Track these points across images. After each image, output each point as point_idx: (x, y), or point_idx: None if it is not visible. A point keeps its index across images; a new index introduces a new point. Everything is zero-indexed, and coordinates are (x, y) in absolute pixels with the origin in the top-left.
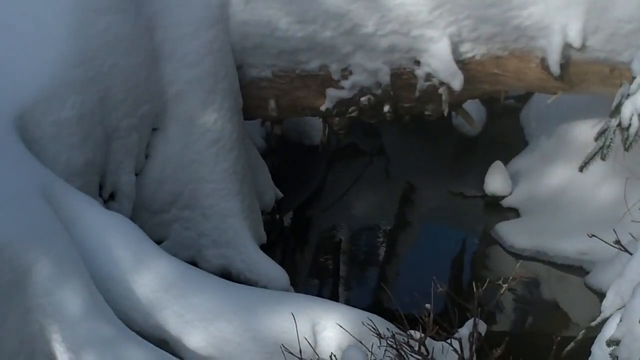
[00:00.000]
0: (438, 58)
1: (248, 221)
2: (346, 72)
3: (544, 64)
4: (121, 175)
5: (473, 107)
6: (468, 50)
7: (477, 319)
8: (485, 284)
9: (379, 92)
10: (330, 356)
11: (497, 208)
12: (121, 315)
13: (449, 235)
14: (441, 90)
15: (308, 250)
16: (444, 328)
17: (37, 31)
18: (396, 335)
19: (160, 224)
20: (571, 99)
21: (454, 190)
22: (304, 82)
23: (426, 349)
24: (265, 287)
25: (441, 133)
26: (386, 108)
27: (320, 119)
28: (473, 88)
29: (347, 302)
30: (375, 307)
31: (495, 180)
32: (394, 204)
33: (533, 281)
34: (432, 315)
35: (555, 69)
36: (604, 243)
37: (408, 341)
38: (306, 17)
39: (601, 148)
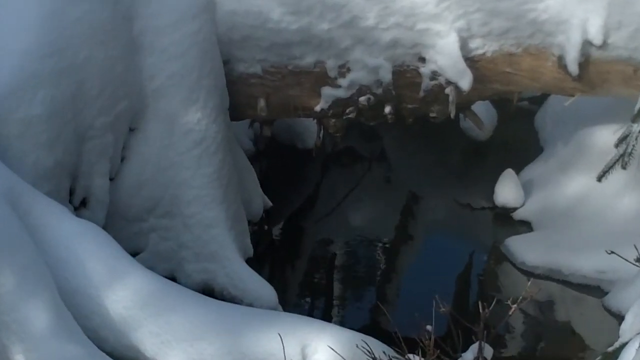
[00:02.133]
0: (445, 54)
1: (233, 232)
2: (344, 69)
3: (561, 62)
4: (94, 179)
5: (483, 109)
6: (478, 46)
7: (483, 342)
8: (493, 304)
9: (379, 91)
10: None
11: (507, 221)
12: (91, 334)
13: (455, 250)
14: (448, 90)
15: (299, 265)
16: (446, 352)
17: (4, 19)
18: (393, 359)
19: (137, 234)
20: (590, 102)
21: (461, 200)
22: (297, 79)
23: None
24: (251, 305)
25: (448, 137)
26: (387, 109)
27: (315, 121)
28: (483, 88)
29: (341, 323)
30: (372, 328)
31: (506, 190)
32: (395, 215)
33: (546, 301)
34: (433, 338)
35: (573, 68)
36: (624, 260)
37: None
38: (301, 8)
39: (622, 155)
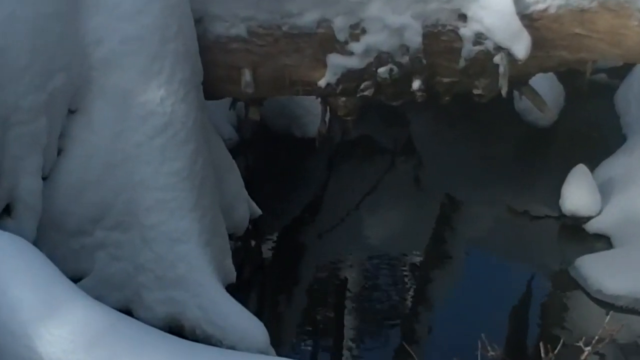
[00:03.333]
0: (493, 10)
1: (209, 249)
2: (357, 31)
3: None
4: (21, 179)
5: (545, 85)
6: None
7: None
8: (559, 347)
9: (405, 60)
10: None
11: (579, 234)
12: None
13: (507, 274)
14: (497, 58)
15: (298, 295)
16: None
17: None
18: None
19: (79, 252)
20: None
21: (515, 207)
22: (295, 44)
23: None
24: (233, 348)
25: (498, 123)
26: (416, 84)
27: (319, 100)
28: (545, 56)
29: None
30: None
31: (577, 194)
32: (426, 228)
33: (631, 343)
34: None
35: None
36: None
37: None
38: None
39: None
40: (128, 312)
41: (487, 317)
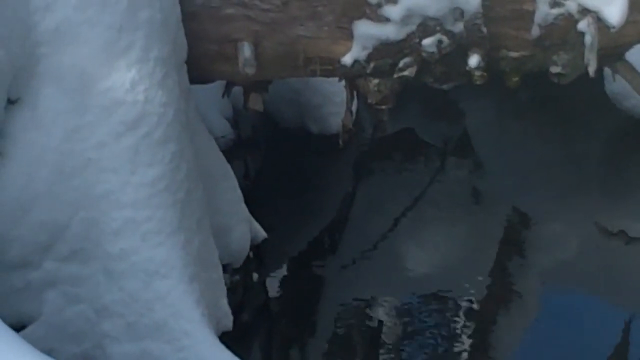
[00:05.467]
0: None
1: (196, 286)
2: None
3: None
4: None
5: None
6: None
7: None
8: None
9: (459, 28)
10: None
11: None
12: None
13: (597, 316)
14: (583, 24)
15: (314, 346)
16: None
17: None
18: None
19: (23, 291)
20: None
21: (607, 225)
22: (311, 7)
23: None
24: None
25: (583, 112)
26: (474, 60)
27: (343, 83)
28: None
29: None
30: None
31: None
32: (487, 254)
33: None
34: None
35: None
36: None
37: None
38: None
39: None
40: None
41: None
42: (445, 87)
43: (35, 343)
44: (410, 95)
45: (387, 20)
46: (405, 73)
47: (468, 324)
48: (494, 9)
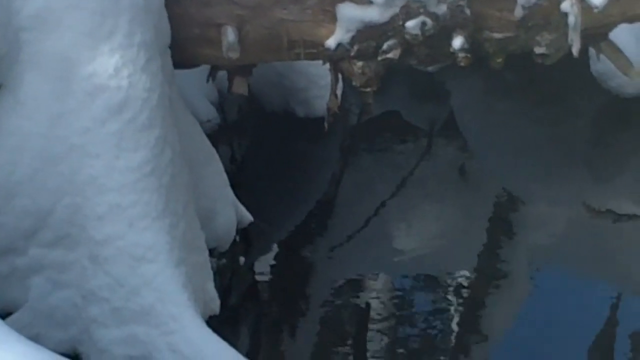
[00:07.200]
0: None
1: (183, 270)
2: None
3: None
4: None
5: (631, 40)
6: None
7: None
8: None
9: (442, 10)
10: None
11: None
12: None
13: (586, 295)
14: (567, 5)
15: (304, 329)
16: None
17: None
18: None
19: (9, 277)
20: None
21: (595, 204)
22: None
23: None
24: None
25: (568, 92)
26: (458, 42)
27: (328, 66)
28: (632, 0)
29: None
30: None
31: None
32: (476, 235)
33: None
34: None
35: None
36: None
37: None
38: None
39: None
40: (76, 357)
41: (560, 355)
42: (430, 68)
43: (21, 329)
44: (395, 77)
45: (370, 2)
46: (390, 55)
47: (458, 303)
48: None
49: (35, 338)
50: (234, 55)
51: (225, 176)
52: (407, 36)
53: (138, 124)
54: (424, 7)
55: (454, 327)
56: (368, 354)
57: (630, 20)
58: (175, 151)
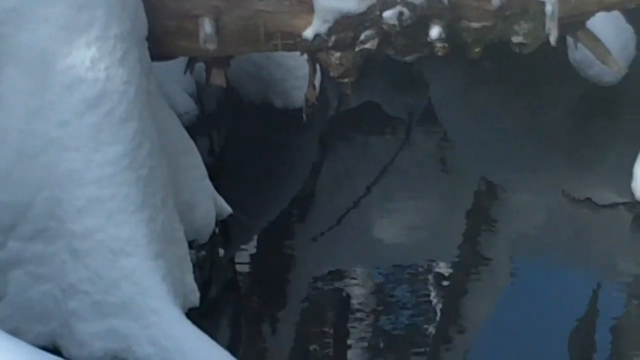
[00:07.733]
0: None
1: (162, 263)
2: None
3: None
4: None
5: (609, 29)
6: None
7: None
8: None
9: (419, 0)
10: None
11: None
12: None
13: (566, 282)
14: None
15: (285, 321)
16: None
17: None
18: None
19: None
20: None
21: (574, 193)
22: None
23: None
24: None
25: (547, 81)
26: (435, 32)
27: (306, 57)
28: None
29: None
30: None
31: None
32: (456, 225)
33: None
34: None
35: None
36: None
37: None
38: None
39: None
40: (55, 350)
41: (541, 342)
42: (408, 58)
43: (1, 323)
44: (373, 68)
45: None
46: (367, 46)
47: (439, 292)
48: None
49: (15, 332)
50: (212, 46)
51: (203, 168)
52: (384, 26)
53: (116, 116)
54: None
55: (434, 316)
56: (349, 345)
57: (607, 8)
58: (153, 144)
